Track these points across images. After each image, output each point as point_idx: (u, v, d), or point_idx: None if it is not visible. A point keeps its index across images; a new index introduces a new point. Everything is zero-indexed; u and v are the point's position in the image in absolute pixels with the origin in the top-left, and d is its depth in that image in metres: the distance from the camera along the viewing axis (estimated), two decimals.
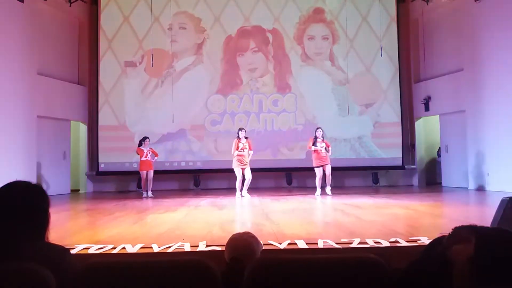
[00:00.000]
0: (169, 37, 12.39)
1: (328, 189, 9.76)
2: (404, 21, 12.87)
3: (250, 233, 2.17)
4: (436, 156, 12.74)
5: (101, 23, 12.33)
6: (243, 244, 2.05)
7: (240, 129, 9.93)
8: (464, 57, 11.02)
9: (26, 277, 1.26)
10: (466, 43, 10.95)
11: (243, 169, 9.65)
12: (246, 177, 9.68)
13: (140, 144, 10.47)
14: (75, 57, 12.28)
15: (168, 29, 12.39)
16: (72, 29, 12.22)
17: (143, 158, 10.33)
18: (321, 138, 9.75)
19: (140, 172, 10.46)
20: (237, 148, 9.65)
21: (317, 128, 9.93)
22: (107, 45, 12.30)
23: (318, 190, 9.71)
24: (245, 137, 9.81)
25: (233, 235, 2.15)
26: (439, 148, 12.42)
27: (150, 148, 10.48)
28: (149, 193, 10.23)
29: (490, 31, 10.25)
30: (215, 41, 12.52)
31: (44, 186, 1.79)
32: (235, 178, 9.63)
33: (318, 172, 9.74)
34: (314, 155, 9.81)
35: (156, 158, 10.56)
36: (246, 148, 9.70)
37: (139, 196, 10.48)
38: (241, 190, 9.65)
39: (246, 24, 12.60)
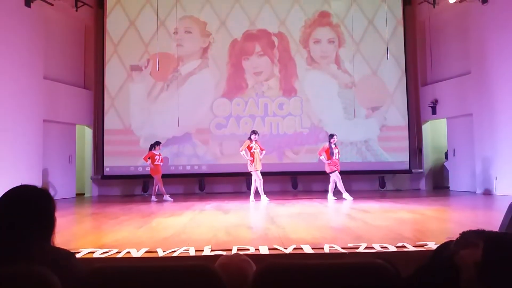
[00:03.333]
0: (175, 41, 12.42)
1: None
2: (410, 24, 12.84)
3: (241, 255, 1.82)
4: (444, 159, 12.65)
5: (107, 27, 12.39)
6: (235, 272, 1.66)
7: (254, 132, 9.85)
8: (471, 60, 10.96)
9: (33, 280, 1.26)
10: (473, 46, 10.90)
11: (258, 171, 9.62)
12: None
13: (151, 148, 10.40)
14: (81, 61, 12.35)
15: (174, 33, 12.42)
16: (78, 34, 12.29)
17: (156, 163, 10.29)
18: (334, 144, 9.79)
19: (156, 176, 10.30)
20: (249, 149, 9.62)
21: (334, 136, 9.83)
22: (113, 49, 12.36)
23: (346, 194, 9.58)
24: (255, 140, 9.79)
25: (221, 258, 1.78)
26: (447, 151, 12.35)
27: (159, 153, 10.48)
28: (153, 198, 10.18)
29: (497, 34, 10.20)
30: (221, 45, 12.54)
31: (51, 191, 1.79)
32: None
33: (336, 176, 9.67)
34: (329, 161, 9.74)
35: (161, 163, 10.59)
36: (257, 149, 9.67)
37: (145, 200, 10.47)
38: (264, 193, 9.56)
39: (251, 28, 12.62)
